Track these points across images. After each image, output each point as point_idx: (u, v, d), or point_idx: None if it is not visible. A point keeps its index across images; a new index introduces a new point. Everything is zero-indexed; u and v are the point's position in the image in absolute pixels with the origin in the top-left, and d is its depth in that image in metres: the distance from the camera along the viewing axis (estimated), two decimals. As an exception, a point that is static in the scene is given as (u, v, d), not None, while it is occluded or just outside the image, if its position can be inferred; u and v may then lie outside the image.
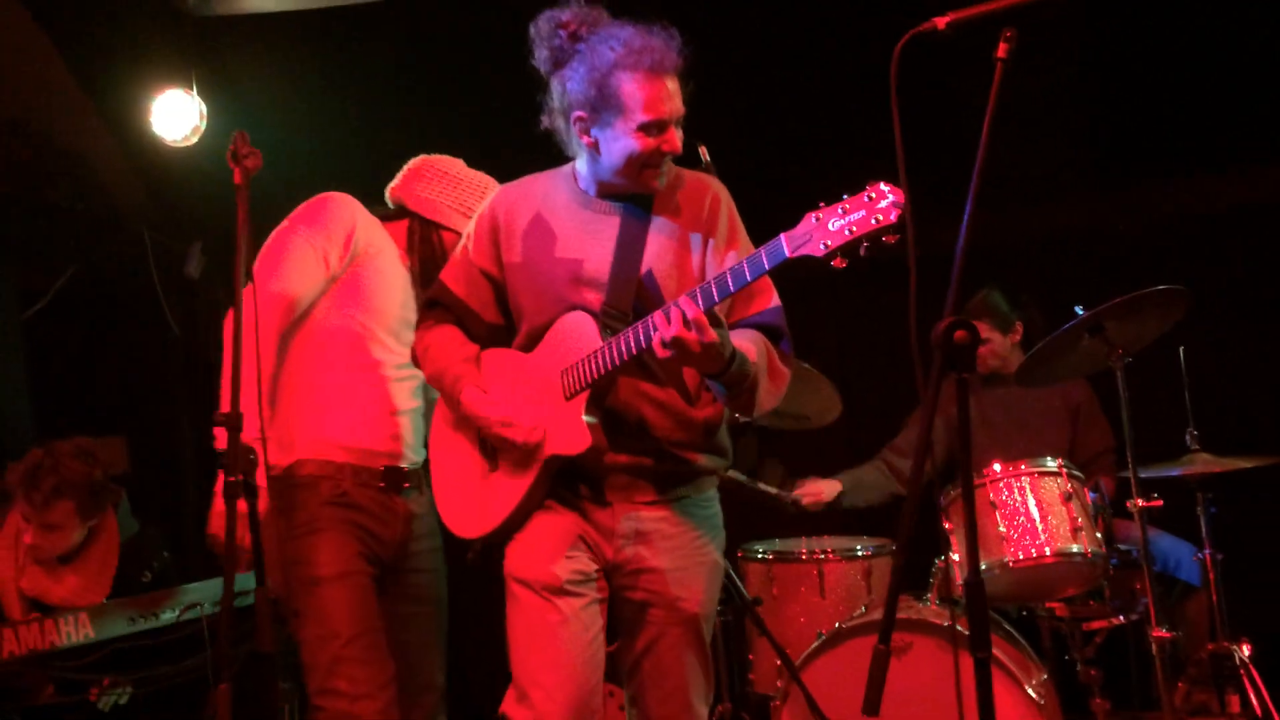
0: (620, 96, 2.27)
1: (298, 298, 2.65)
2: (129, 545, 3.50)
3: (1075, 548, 3.16)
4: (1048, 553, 3.16)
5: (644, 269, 2.37)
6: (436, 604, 2.83)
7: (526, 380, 2.42)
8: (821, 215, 2.04)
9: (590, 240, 2.41)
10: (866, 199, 1.99)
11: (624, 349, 2.25)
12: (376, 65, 4.74)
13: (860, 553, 3.78)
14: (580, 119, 2.34)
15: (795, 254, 2.05)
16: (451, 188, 2.84)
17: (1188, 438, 3.46)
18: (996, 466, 3.30)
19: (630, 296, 2.36)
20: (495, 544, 2.46)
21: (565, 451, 2.33)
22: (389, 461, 2.72)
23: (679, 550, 2.41)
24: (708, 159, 3.26)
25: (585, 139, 2.36)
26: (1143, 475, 3.42)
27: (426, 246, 2.84)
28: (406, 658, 2.68)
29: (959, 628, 3.07)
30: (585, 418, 2.31)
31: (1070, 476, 3.27)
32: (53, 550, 3.29)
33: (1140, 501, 3.17)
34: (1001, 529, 3.19)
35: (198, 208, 5.18)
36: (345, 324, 2.70)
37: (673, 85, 2.29)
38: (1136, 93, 4.21)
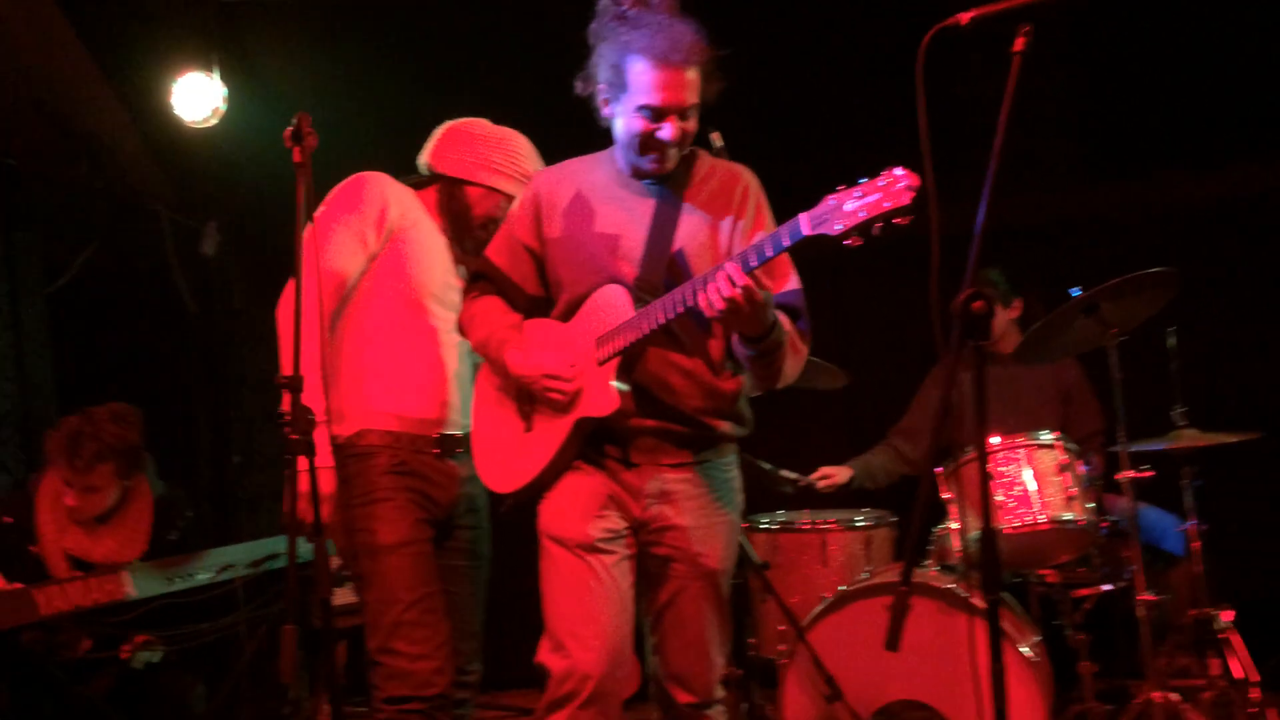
0: (628, 77, 2.46)
1: (345, 277, 2.80)
2: (158, 505, 3.62)
3: (1069, 515, 3.35)
4: (1043, 520, 3.35)
5: (676, 247, 2.53)
6: (480, 559, 2.98)
7: (563, 346, 2.58)
8: (838, 197, 2.19)
9: (627, 217, 2.58)
10: (882, 182, 2.14)
11: (655, 318, 2.41)
12: (398, 45, 4.87)
13: (861, 523, 3.95)
14: (602, 91, 2.53)
15: (813, 232, 2.21)
16: (476, 145, 2.93)
17: (1174, 414, 3.63)
18: (995, 440, 3.48)
19: (662, 272, 2.52)
20: (527, 500, 2.62)
21: (595, 414, 2.48)
22: (442, 429, 2.86)
23: (700, 509, 2.58)
24: (720, 144, 3.41)
25: (605, 110, 2.55)
26: (1132, 450, 3.62)
27: (453, 203, 2.94)
28: (452, 607, 2.82)
29: (960, 591, 3.25)
30: (615, 383, 2.46)
31: (1065, 449, 3.45)
32: (93, 511, 3.44)
33: (1131, 473, 3.34)
34: (999, 498, 3.37)
35: (214, 187, 5.32)
36: (391, 296, 2.83)
37: (681, 77, 2.43)
38: (1132, 87, 4.37)
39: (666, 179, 2.58)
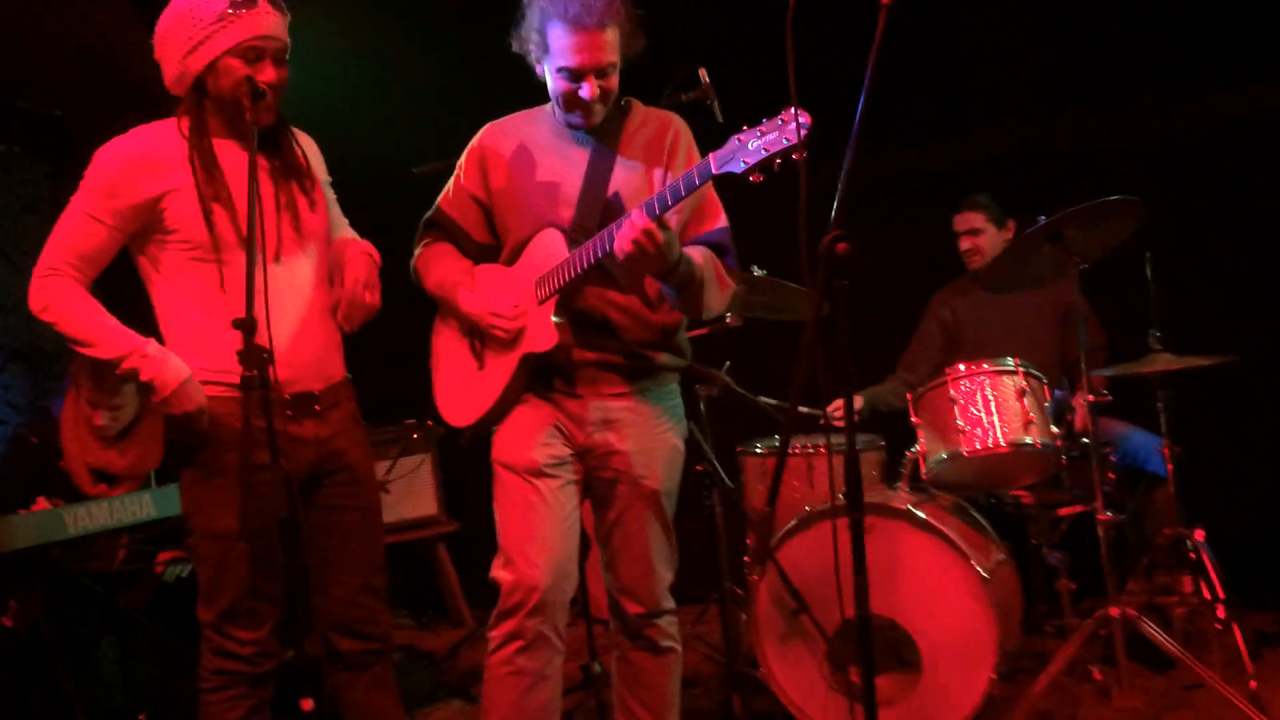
0: (548, 40, 2.64)
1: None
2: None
3: (1027, 439, 3.46)
4: (1002, 443, 3.46)
5: (610, 192, 2.71)
6: (361, 509, 2.82)
7: (508, 288, 2.78)
8: (743, 137, 2.35)
9: (564, 166, 2.76)
10: (779, 121, 2.29)
11: (586, 258, 2.59)
12: (432, 16, 5.03)
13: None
14: (531, 52, 2.71)
15: (720, 170, 2.37)
16: (171, 39, 2.56)
17: (1150, 339, 3.68)
18: (961, 366, 3.59)
19: (597, 216, 2.70)
20: (483, 432, 2.85)
21: (537, 349, 2.68)
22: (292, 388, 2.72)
23: (642, 435, 2.77)
24: (707, 80, 3.53)
25: (538, 69, 2.73)
26: (1108, 374, 3.70)
27: (203, 107, 2.60)
28: (336, 566, 2.73)
29: (917, 511, 3.39)
30: (553, 319, 2.65)
31: (1027, 375, 3.55)
32: (118, 427, 3.78)
33: (1090, 397, 3.43)
34: (960, 423, 3.49)
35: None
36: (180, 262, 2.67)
37: (597, 38, 2.58)
38: (1106, 15, 4.35)
39: (602, 129, 2.75)
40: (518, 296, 2.75)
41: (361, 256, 2.76)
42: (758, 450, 4.23)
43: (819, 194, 2.08)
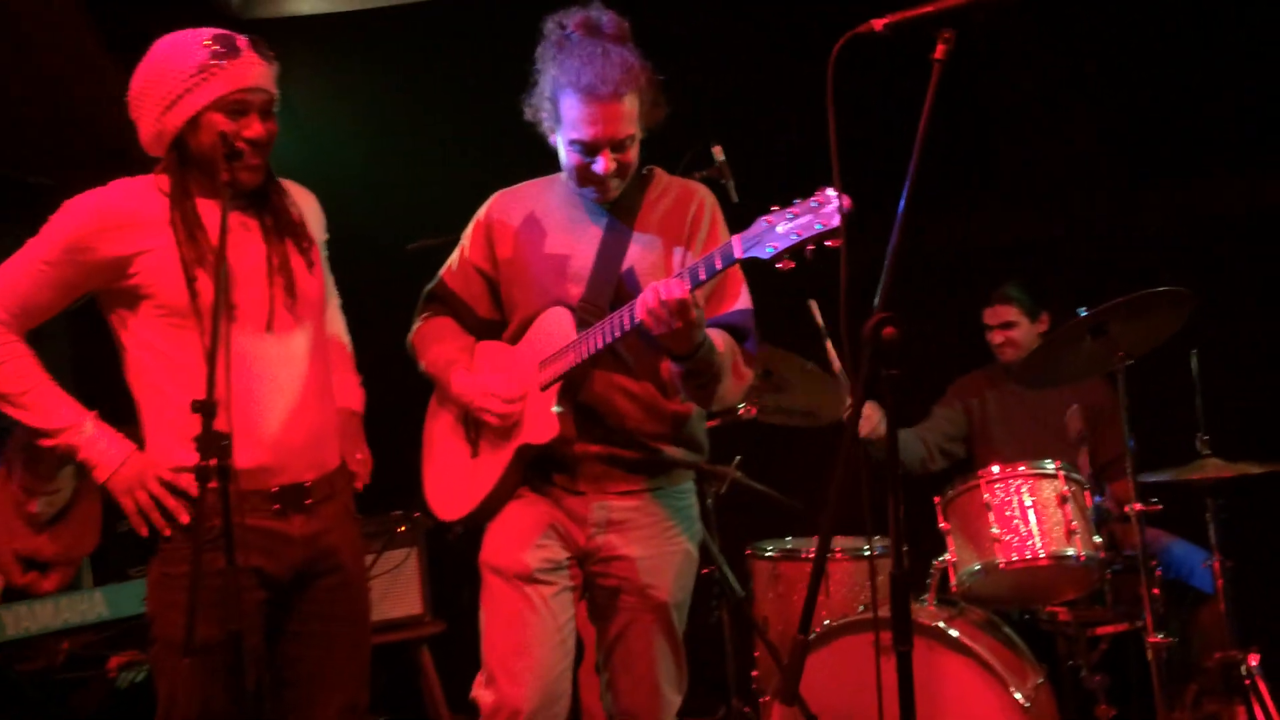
0: (561, 110, 2.40)
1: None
2: (105, 496, 3.67)
3: (1070, 550, 3.15)
4: (1041, 555, 3.16)
5: (625, 267, 2.46)
6: (349, 621, 2.52)
7: (510, 370, 2.52)
8: (772, 219, 2.10)
9: (576, 239, 2.52)
10: (813, 204, 2.05)
11: (596, 341, 2.33)
12: (424, 65, 4.86)
13: (866, 552, 3.79)
14: (544, 120, 2.47)
15: (745, 255, 2.13)
16: (146, 99, 2.30)
17: (1198, 442, 3.41)
18: (995, 468, 3.30)
19: (609, 294, 2.45)
20: (473, 527, 2.55)
21: (534, 440, 2.41)
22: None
23: (650, 539, 2.48)
24: (722, 158, 3.31)
25: (550, 138, 2.49)
26: (1152, 480, 3.41)
27: (186, 165, 2.32)
28: (313, 678, 2.43)
29: (949, 629, 3.08)
30: (555, 408, 2.38)
31: (1068, 479, 3.26)
32: (52, 513, 3.47)
33: (1138, 505, 3.14)
34: (995, 530, 3.19)
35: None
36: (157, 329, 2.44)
37: (612, 109, 2.34)
38: (1153, 92, 4.16)
39: (619, 201, 2.52)
40: (519, 379, 2.49)
41: (357, 421, 2.57)
42: (768, 553, 3.91)
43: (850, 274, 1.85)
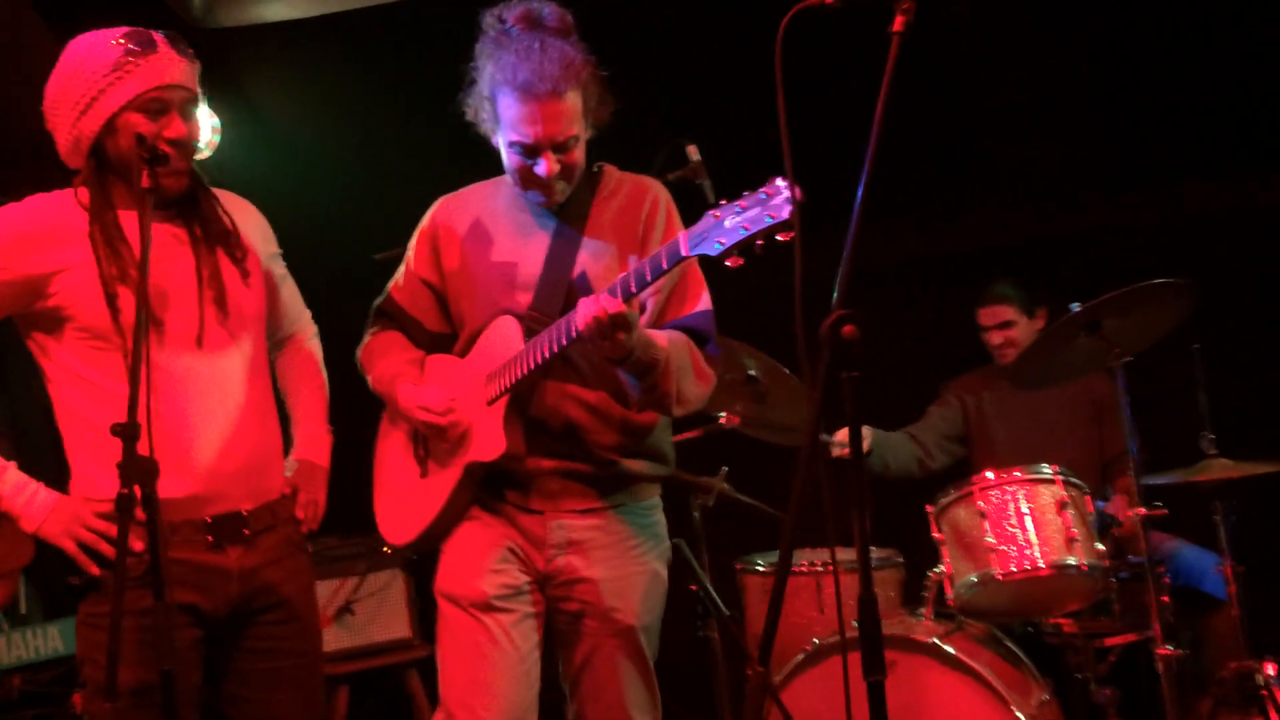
0: (499, 110, 2.26)
1: None
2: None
3: (1071, 559, 2.98)
4: (1041, 565, 2.99)
5: (575, 272, 2.31)
6: (297, 655, 2.37)
7: (459, 384, 2.37)
8: (719, 213, 1.96)
9: (524, 244, 2.37)
10: (762, 196, 1.91)
11: (543, 350, 2.18)
12: (391, 69, 4.72)
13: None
14: (484, 121, 2.32)
15: (692, 253, 1.99)
16: (60, 104, 2.17)
17: (1203, 442, 3.24)
18: (989, 474, 3.13)
19: (559, 300, 2.30)
20: (424, 550, 2.41)
21: (481, 458, 2.27)
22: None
23: (613, 560, 2.32)
24: (697, 157, 3.16)
25: (493, 140, 2.34)
26: (1156, 482, 3.25)
27: (104, 172, 2.19)
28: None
29: (945, 646, 2.91)
30: (502, 423, 2.23)
31: (1067, 484, 3.09)
32: None
33: (1142, 510, 2.97)
34: (990, 539, 3.02)
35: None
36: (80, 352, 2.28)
37: (553, 107, 2.19)
38: (1149, 91, 4.00)
39: (567, 202, 2.37)
40: (466, 392, 2.33)
41: (319, 473, 2.40)
42: (759, 567, 3.75)
43: (817, 277, 1.70)
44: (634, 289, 2.06)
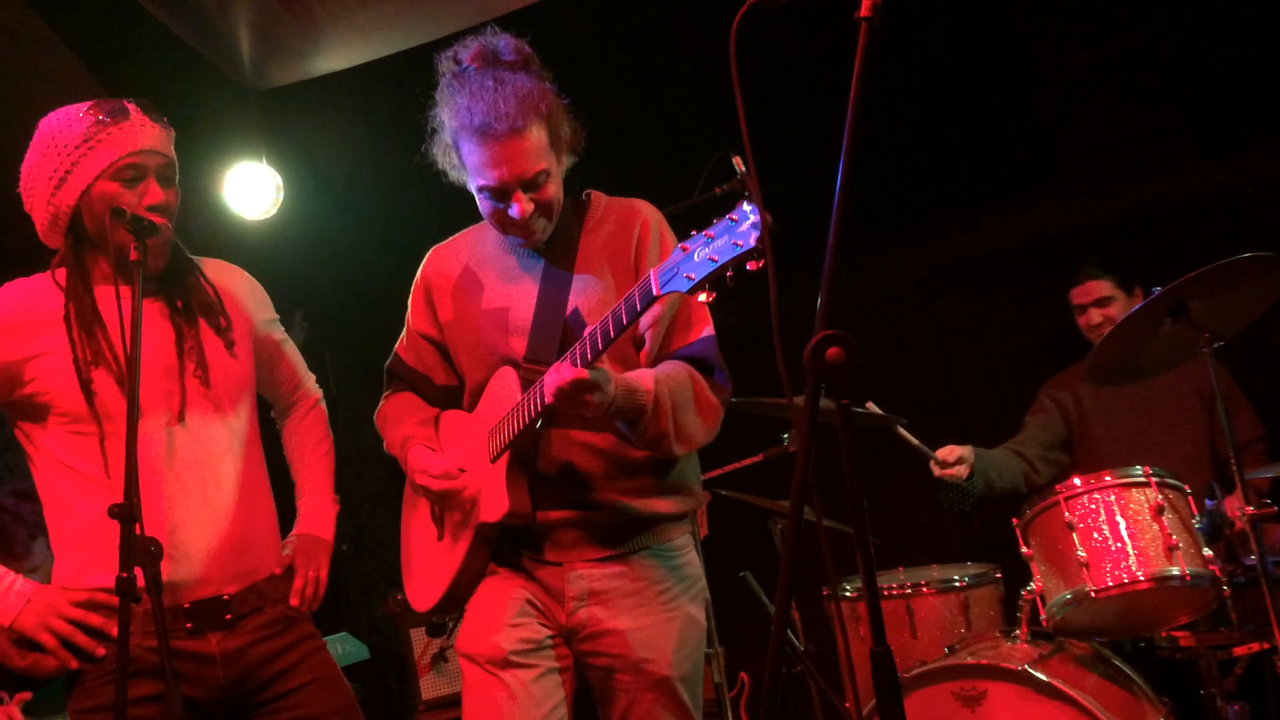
0: (462, 157, 2.15)
1: None
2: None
3: (1173, 570, 2.70)
4: (1140, 578, 2.71)
5: (569, 310, 2.18)
6: None
7: (468, 442, 2.27)
8: (688, 245, 1.82)
9: (514, 288, 2.26)
10: (729, 222, 1.76)
11: (536, 403, 2.05)
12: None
13: (956, 583, 3.39)
14: (452, 170, 2.22)
15: (663, 292, 1.84)
16: (35, 184, 2.15)
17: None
18: (1076, 481, 2.86)
19: (554, 343, 2.17)
20: (448, 614, 2.29)
21: (487, 519, 2.15)
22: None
23: (640, 608, 2.17)
24: (743, 168, 3.01)
25: (468, 186, 2.23)
26: (1269, 475, 2.94)
27: (81, 252, 2.16)
28: None
29: (1036, 673, 2.67)
30: (505, 481, 2.11)
31: (1163, 486, 2.79)
32: None
33: (1249, 509, 2.68)
34: (1081, 554, 2.75)
35: (292, 274, 5.27)
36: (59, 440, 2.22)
37: (517, 145, 2.07)
38: (1223, 50, 3.67)
39: (553, 239, 2.25)
40: (473, 451, 2.22)
41: (321, 547, 2.31)
42: (848, 593, 3.54)
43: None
44: (613, 334, 1.92)
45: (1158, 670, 3.10)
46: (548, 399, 1.95)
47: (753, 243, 1.70)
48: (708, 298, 1.79)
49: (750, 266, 1.73)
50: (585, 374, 1.90)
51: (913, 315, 4.54)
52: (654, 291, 1.84)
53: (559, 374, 1.92)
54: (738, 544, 4.04)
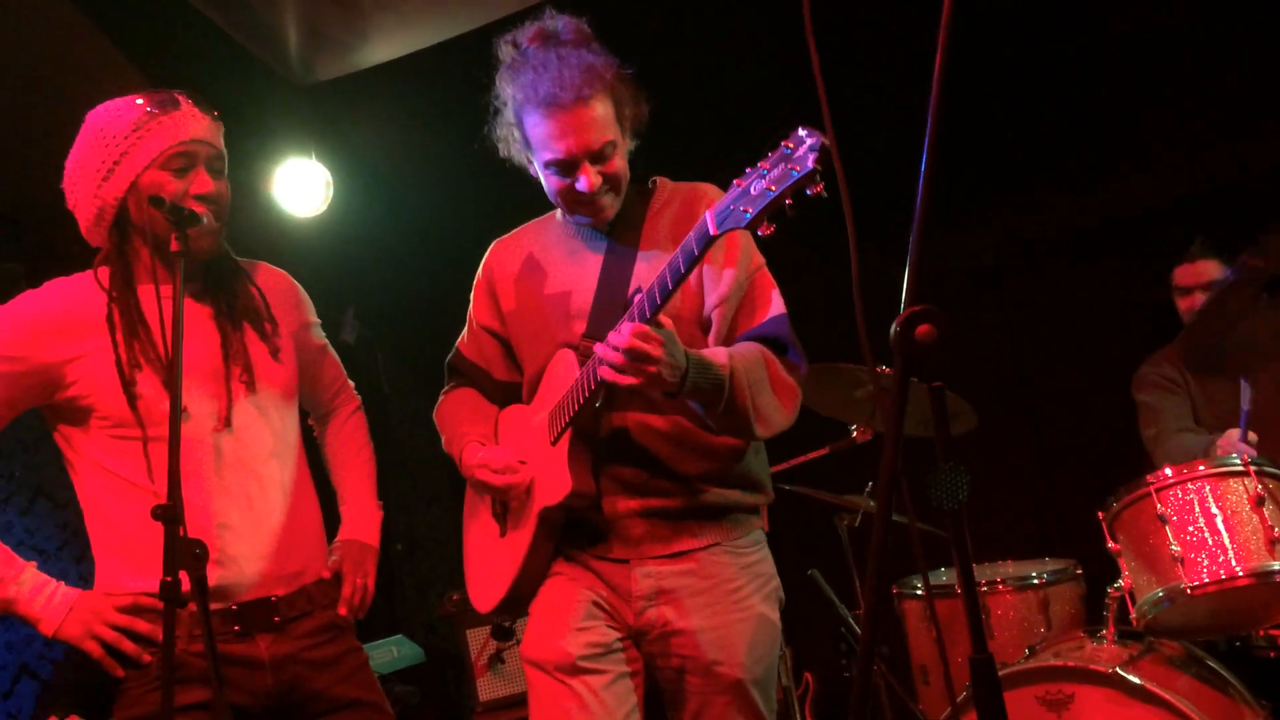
0: (527, 133, 2.08)
1: None
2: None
3: (1274, 565, 2.52)
4: (1239, 573, 2.54)
5: (632, 287, 2.09)
6: None
7: (527, 434, 2.18)
8: (743, 180, 1.74)
9: (577, 272, 2.18)
10: (785, 151, 1.68)
11: (586, 384, 1.96)
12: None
13: (1035, 580, 3.24)
14: (518, 153, 2.15)
15: (720, 231, 1.76)
16: (80, 176, 2.08)
17: None
18: (1167, 471, 2.69)
19: (615, 319, 2.05)
20: (514, 615, 2.19)
21: (549, 501, 2.05)
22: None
23: (711, 606, 2.06)
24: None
25: (531, 169, 2.16)
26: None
27: (128, 246, 2.07)
28: None
29: (1129, 675, 2.51)
30: (567, 461, 2.01)
31: (1262, 475, 2.62)
32: None
33: (1356, 501, 2.50)
34: (1175, 548, 2.59)
35: (343, 272, 5.21)
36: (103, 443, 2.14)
37: (584, 115, 2.00)
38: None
39: (620, 221, 2.16)
40: (533, 441, 2.12)
41: (368, 553, 2.24)
42: (918, 591, 3.40)
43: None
44: (670, 286, 1.83)
45: (1255, 671, 2.92)
46: (608, 371, 1.84)
47: (811, 164, 1.62)
48: (765, 231, 1.70)
49: (810, 191, 1.64)
50: (633, 341, 1.80)
51: (984, 295, 4.38)
52: (710, 231, 1.77)
53: (619, 333, 1.82)
54: (800, 541, 3.91)
